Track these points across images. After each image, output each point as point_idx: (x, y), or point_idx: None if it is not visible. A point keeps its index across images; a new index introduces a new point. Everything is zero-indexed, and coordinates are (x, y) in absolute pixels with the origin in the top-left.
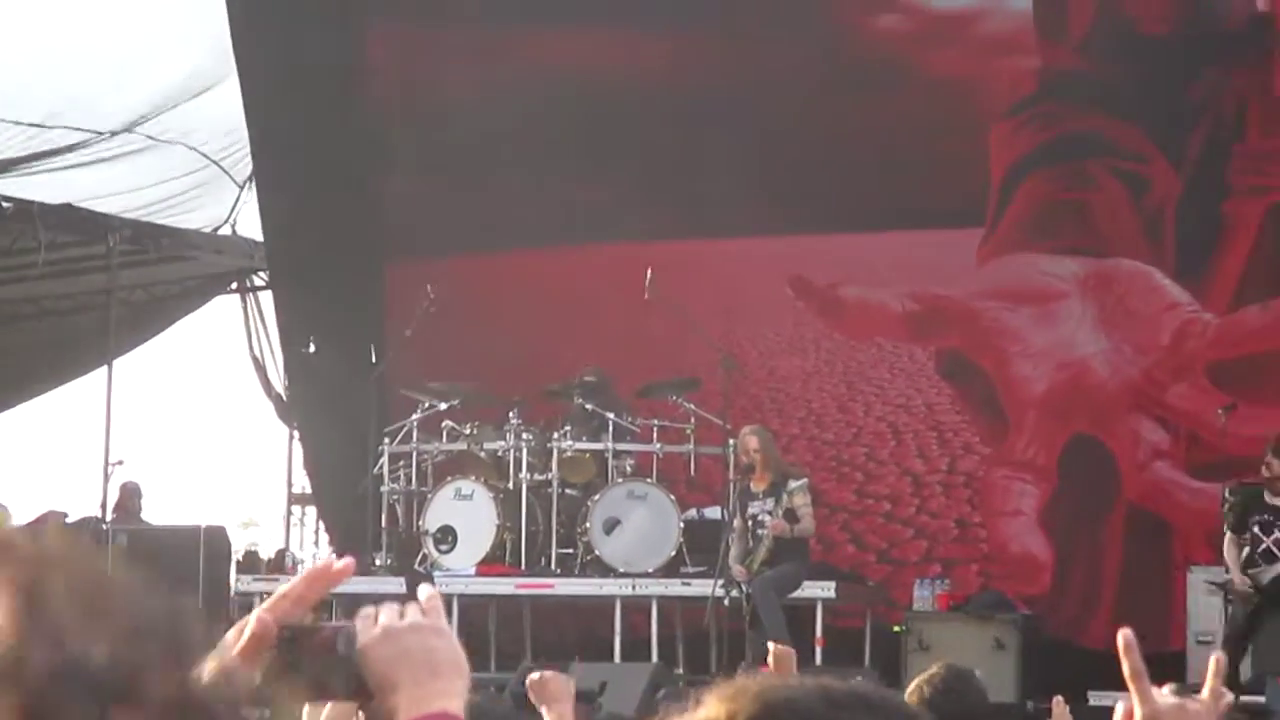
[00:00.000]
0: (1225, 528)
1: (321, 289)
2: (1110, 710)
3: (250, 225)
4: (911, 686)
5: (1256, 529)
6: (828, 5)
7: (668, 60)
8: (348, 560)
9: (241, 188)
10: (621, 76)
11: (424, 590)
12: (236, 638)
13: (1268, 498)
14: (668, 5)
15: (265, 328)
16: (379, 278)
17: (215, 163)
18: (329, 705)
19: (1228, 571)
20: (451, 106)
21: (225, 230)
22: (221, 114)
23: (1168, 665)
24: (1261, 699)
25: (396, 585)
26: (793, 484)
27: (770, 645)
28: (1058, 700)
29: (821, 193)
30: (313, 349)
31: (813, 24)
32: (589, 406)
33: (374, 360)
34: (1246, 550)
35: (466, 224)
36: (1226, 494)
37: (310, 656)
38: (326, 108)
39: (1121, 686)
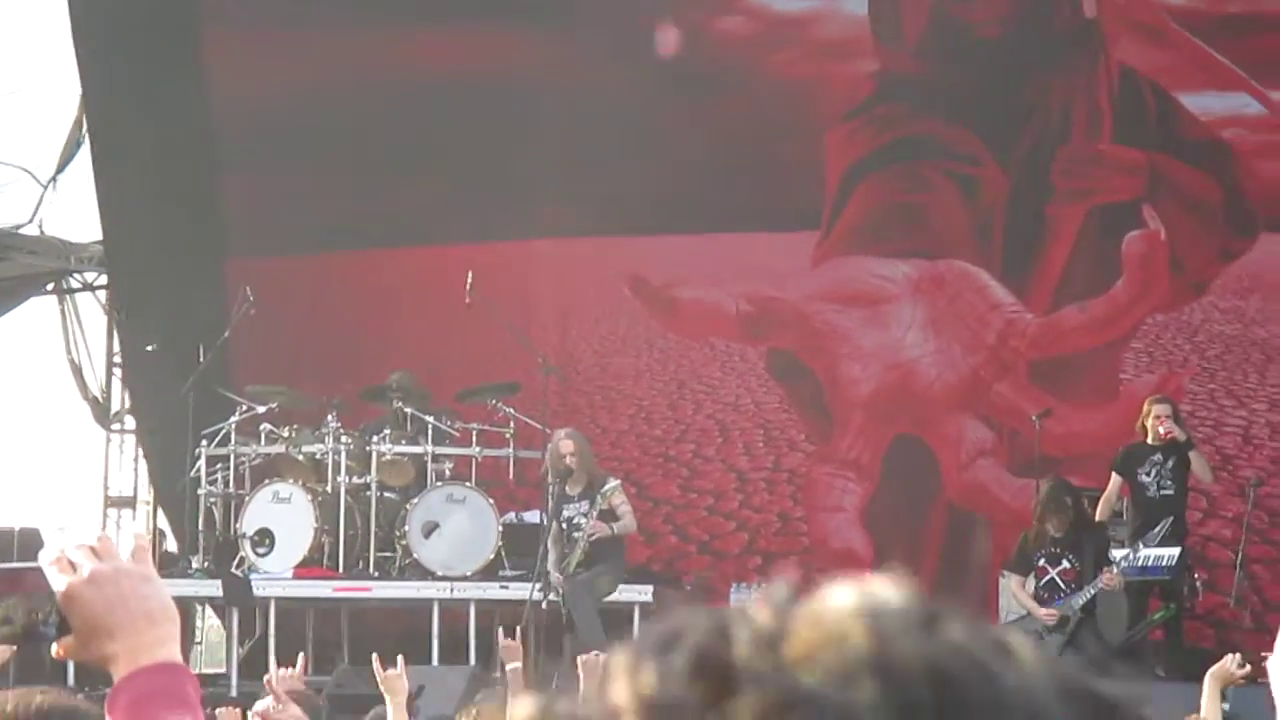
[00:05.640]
0: (1005, 571)
1: (160, 289)
2: None
3: (56, 226)
4: None
5: (1042, 562)
6: (669, 5)
7: (505, 60)
8: None
9: (45, 187)
10: (457, 80)
11: (128, 533)
12: None
13: (1052, 530)
14: (514, 8)
15: (82, 330)
16: (215, 277)
17: (12, 163)
18: None
19: (1020, 615)
20: (278, 107)
21: (31, 230)
22: (18, 114)
23: None
24: None
25: (213, 588)
26: (608, 485)
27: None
28: None
29: (658, 193)
30: (152, 348)
31: (653, 24)
32: (408, 410)
33: (199, 360)
34: (1031, 586)
35: (293, 225)
36: (1040, 488)
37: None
38: (164, 105)
39: None
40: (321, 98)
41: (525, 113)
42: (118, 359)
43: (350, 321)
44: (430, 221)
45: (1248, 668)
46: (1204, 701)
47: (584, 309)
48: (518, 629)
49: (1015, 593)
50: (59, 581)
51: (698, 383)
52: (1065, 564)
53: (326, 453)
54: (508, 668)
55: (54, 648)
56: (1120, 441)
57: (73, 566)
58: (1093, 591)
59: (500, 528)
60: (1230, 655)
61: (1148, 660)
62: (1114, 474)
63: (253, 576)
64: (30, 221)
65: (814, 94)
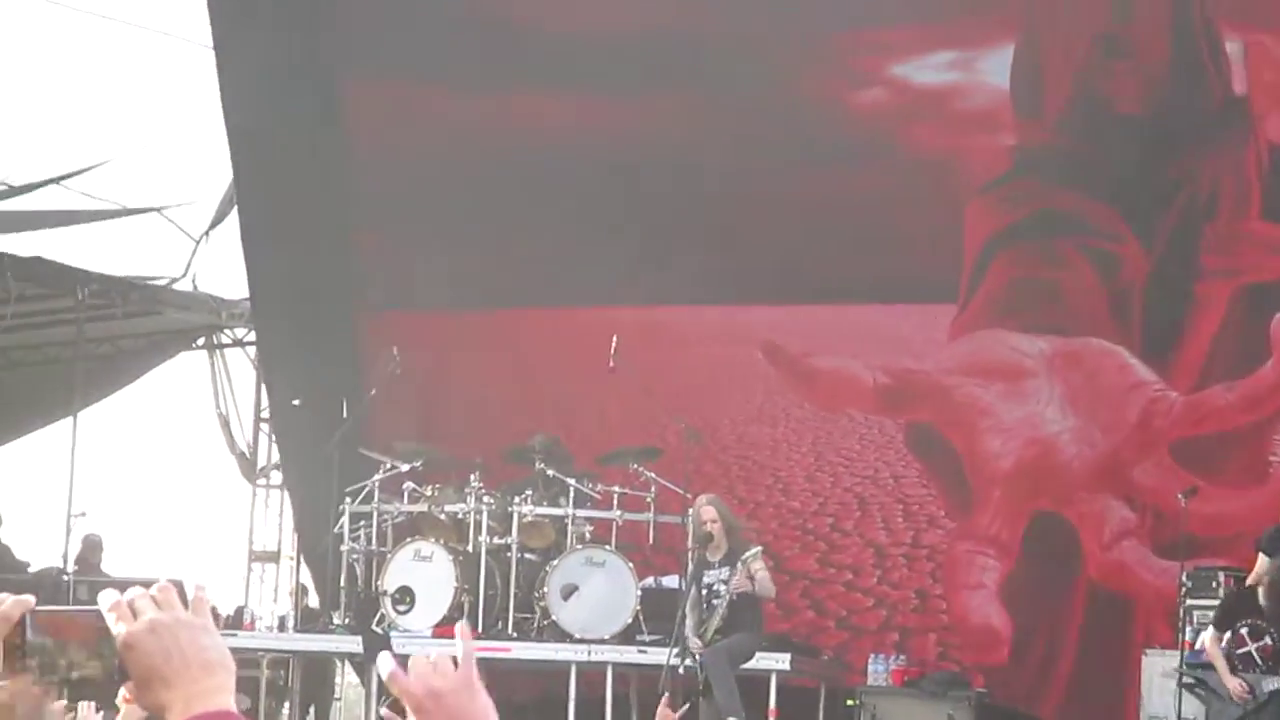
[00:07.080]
0: (1210, 624)
1: (303, 343)
2: None
3: (208, 281)
4: None
5: (1244, 631)
6: (813, 78)
7: (646, 127)
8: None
9: (198, 243)
10: (598, 142)
11: (193, 585)
12: None
13: (1263, 600)
14: (650, 73)
15: (231, 385)
16: (357, 333)
17: (170, 219)
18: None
19: (1200, 668)
20: (416, 163)
21: (184, 285)
22: (171, 169)
23: None
24: None
25: (354, 644)
26: (748, 553)
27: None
28: None
29: (797, 263)
30: (297, 402)
31: (797, 97)
32: (550, 472)
33: (344, 416)
34: (1225, 648)
35: (438, 282)
36: (1184, 579)
37: (68, 643)
38: (307, 161)
39: None
40: (460, 155)
41: (664, 181)
42: (265, 414)
43: (484, 380)
44: (563, 282)
45: None
46: None
47: (720, 377)
48: (685, 701)
49: (1210, 648)
50: (118, 628)
51: (835, 454)
52: (1268, 639)
53: (468, 512)
54: None
55: (121, 692)
56: (1269, 522)
57: (134, 614)
58: None
59: (639, 592)
60: None
61: None
62: (1260, 554)
63: (393, 634)
64: (183, 277)
65: (953, 166)
